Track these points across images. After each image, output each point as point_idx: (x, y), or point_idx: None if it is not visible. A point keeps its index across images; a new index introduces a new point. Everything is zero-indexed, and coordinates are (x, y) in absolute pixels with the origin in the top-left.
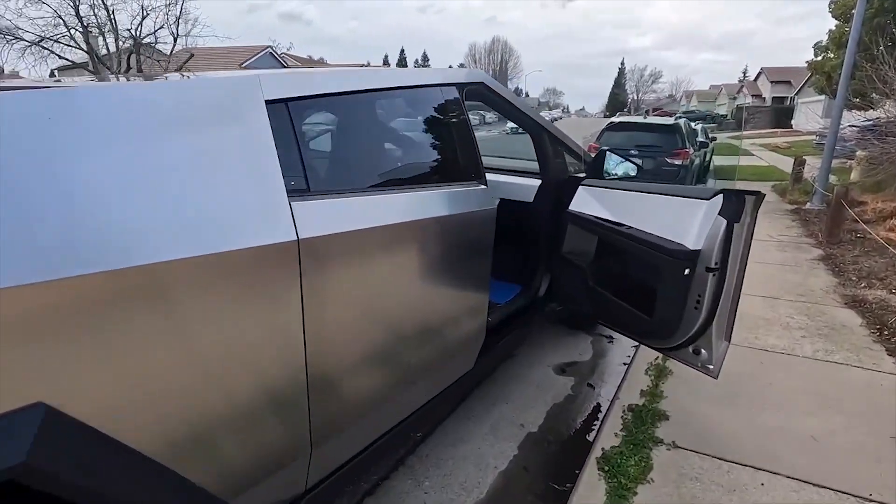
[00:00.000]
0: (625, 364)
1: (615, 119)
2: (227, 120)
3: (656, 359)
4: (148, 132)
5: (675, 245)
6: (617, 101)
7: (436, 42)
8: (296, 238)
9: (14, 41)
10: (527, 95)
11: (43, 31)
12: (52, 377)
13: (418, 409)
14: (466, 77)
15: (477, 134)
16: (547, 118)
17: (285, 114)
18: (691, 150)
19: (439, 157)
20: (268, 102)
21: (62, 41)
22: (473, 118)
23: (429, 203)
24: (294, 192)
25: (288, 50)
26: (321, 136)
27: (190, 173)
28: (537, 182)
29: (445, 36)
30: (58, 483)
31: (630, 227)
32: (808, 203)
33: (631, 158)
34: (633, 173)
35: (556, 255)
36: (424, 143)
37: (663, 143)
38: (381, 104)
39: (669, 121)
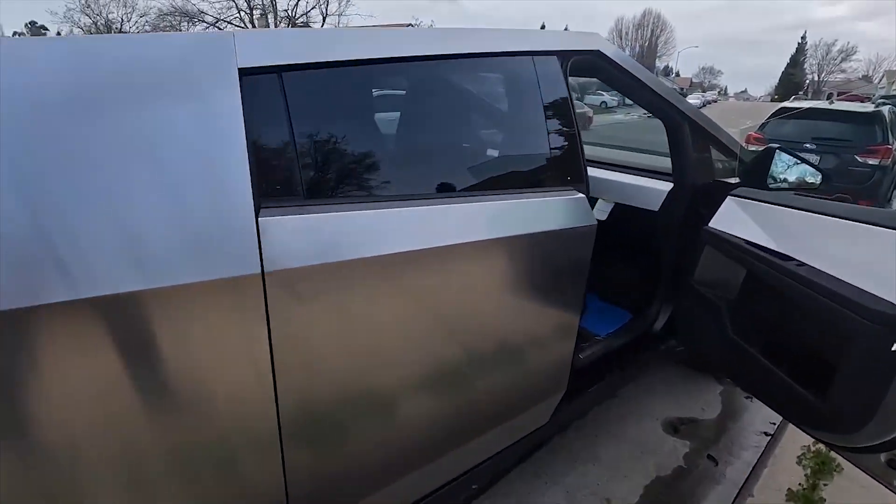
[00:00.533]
0: (767, 435)
1: (788, 104)
2: (177, 93)
3: (817, 442)
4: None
5: (875, 301)
6: (790, 83)
7: (582, 15)
8: (259, 271)
9: (198, 23)
10: (677, 75)
11: (219, 14)
12: None
13: (463, 473)
14: (574, 43)
15: (603, 118)
16: (696, 102)
17: (273, 87)
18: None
19: (517, 153)
20: (244, 71)
21: (234, 22)
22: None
23: (491, 218)
24: (270, 203)
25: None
26: (335, 119)
27: (101, 165)
28: (668, 185)
29: (589, 9)
30: None
31: (801, 264)
32: None
33: (806, 159)
34: (815, 182)
35: (683, 283)
36: (496, 134)
37: (854, 135)
38: (430, 78)
39: (867, 107)
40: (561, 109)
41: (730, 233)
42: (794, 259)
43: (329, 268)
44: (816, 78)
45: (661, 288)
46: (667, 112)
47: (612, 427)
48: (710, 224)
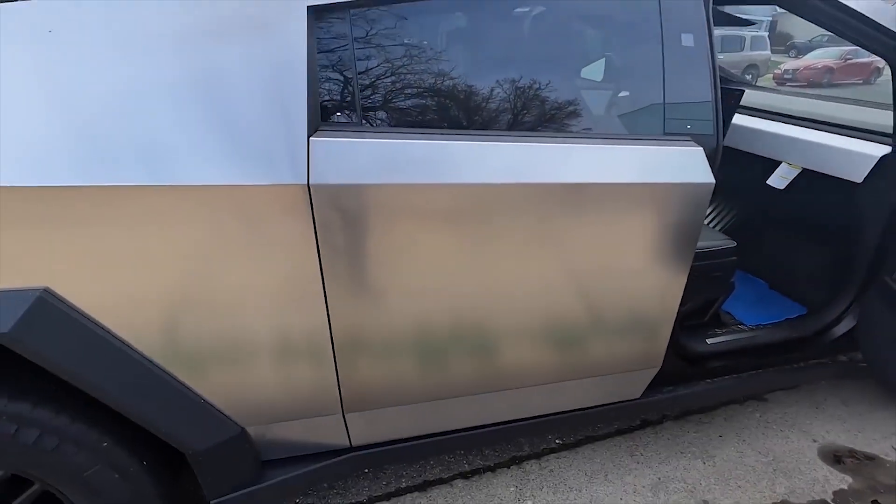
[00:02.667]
0: None
1: None
2: (248, 31)
3: None
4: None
5: None
6: None
7: None
8: (305, 182)
9: None
10: None
11: None
12: (61, 267)
13: (541, 416)
14: None
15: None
16: None
17: (339, 24)
18: None
19: (611, 90)
20: (312, 10)
21: None
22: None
23: (569, 161)
24: (325, 126)
25: None
26: (396, 55)
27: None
28: (882, 150)
29: None
30: (42, 358)
31: None
32: None
33: None
34: None
35: (881, 284)
36: (588, 67)
37: None
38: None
39: None
40: (691, 42)
41: None
42: None
43: (377, 189)
44: None
45: (850, 284)
46: (882, 43)
47: (747, 432)
48: None
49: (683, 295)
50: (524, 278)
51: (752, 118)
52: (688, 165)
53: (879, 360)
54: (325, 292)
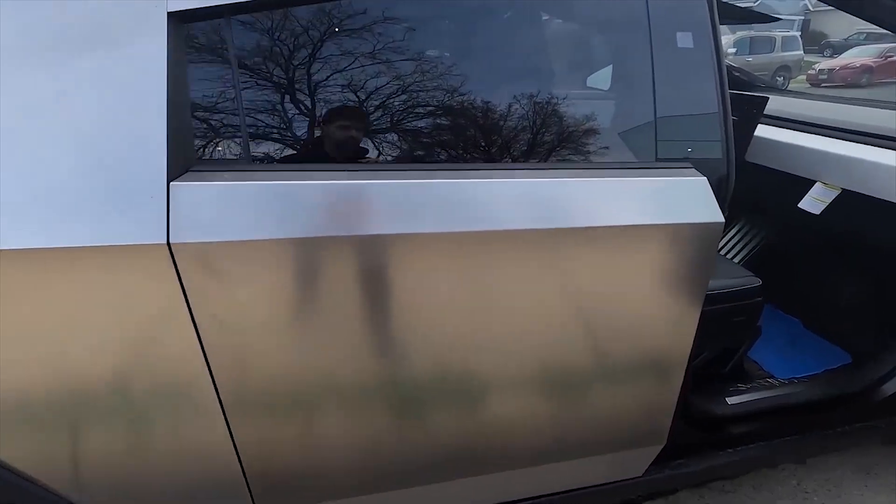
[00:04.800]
0: None
1: None
2: (90, 46)
3: None
4: None
5: None
6: None
7: None
8: (165, 241)
9: None
10: None
11: None
12: None
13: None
14: None
15: None
16: None
17: (208, 34)
18: None
19: (577, 109)
20: (174, 16)
21: None
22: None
23: (522, 198)
24: (191, 166)
25: None
26: (285, 69)
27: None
28: None
29: None
30: None
31: None
32: None
33: None
34: None
35: None
36: (546, 76)
37: None
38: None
39: None
40: (689, 42)
41: None
42: None
43: (264, 247)
44: None
45: None
46: None
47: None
48: None
49: (695, 347)
50: (476, 347)
51: (781, 129)
52: (687, 200)
53: None
54: (214, 385)
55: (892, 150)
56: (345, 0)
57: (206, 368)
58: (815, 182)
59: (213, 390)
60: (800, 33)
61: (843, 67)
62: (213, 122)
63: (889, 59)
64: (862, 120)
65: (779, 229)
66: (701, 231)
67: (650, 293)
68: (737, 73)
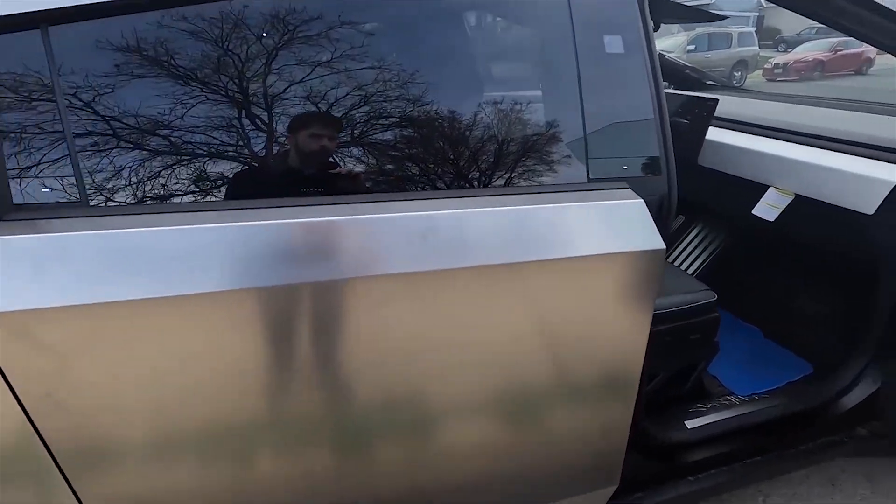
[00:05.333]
0: None
1: None
2: None
3: None
4: None
5: None
6: None
7: None
8: None
9: None
10: None
11: None
12: None
13: None
14: None
15: None
16: None
17: (37, 46)
18: None
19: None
20: None
21: None
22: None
23: (434, 229)
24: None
25: None
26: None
27: None
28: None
29: None
30: None
31: None
32: None
33: None
34: None
35: None
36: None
37: None
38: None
39: None
40: (619, 47)
41: None
42: None
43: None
44: None
45: (867, 338)
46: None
47: None
48: None
49: (644, 378)
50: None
51: (734, 133)
52: (623, 227)
53: None
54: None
55: (845, 153)
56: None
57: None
58: (768, 187)
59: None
60: (755, 29)
61: (797, 62)
62: (32, 157)
63: (839, 52)
64: (815, 121)
65: (736, 235)
66: (640, 259)
67: (591, 327)
68: (689, 72)
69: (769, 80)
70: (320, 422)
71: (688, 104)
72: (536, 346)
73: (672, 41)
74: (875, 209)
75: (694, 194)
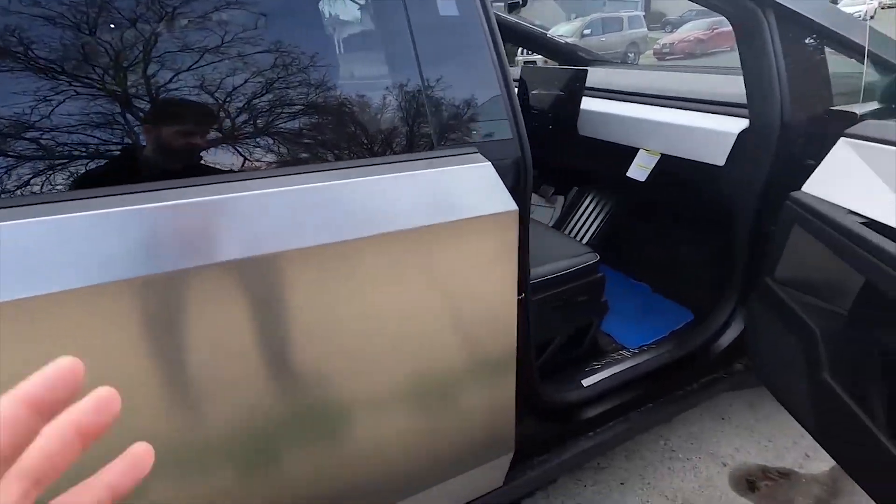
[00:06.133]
0: None
1: None
2: None
3: None
4: None
5: None
6: None
7: None
8: None
9: None
10: None
11: None
12: None
13: None
14: None
15: None
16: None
17: None
18: None
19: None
20: None
21: None
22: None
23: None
24: None
25: None
26: None
27: None
28: (740, 125)
29: None
30: None
31: None
32: None
33: None
34: None
35: (760, 283)
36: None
37: None
38: None
39: None
40: (453, 9)
41: (836, 205)
42: None
43: None
44: None
45: (732, 284)
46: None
47: (651, 471)
48: (804, 189)
49: (523, 342)
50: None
51: (609, 101)
52: (472, 191)
53: (766, 374)
54: None
55: (703, 112)
56: None
57: None
58: (638, 149)
59: None
60: (643, 14)
61: (681, 41)
62: None
63: (716, 30)
64: (679, 86)
65: (623, 198)
66: (494, 223)
67: (455, 296)
68: (581, 53)
69: (659, 59)
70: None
71: (562, 76)
72: (402, 324)
73: (569, 27)
74: (724, 160)
75: (581, 163)
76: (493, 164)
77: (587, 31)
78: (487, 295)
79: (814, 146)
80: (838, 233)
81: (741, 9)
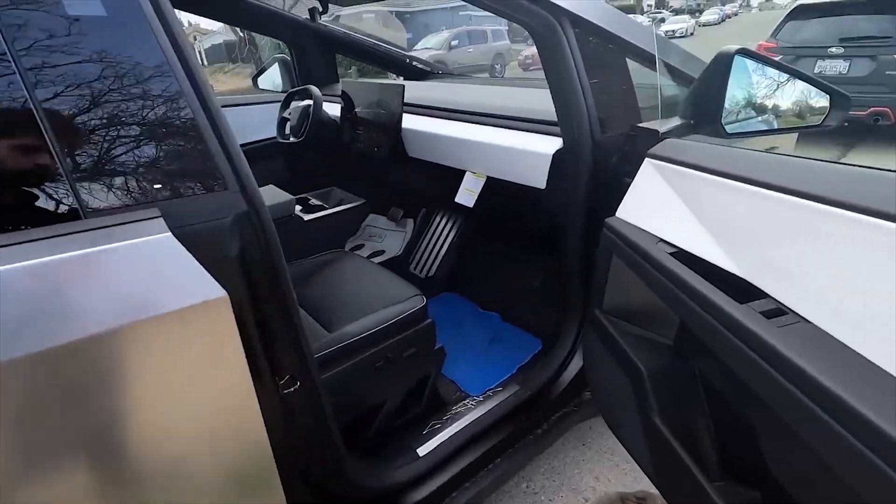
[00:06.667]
0: None
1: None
2: None
3: None
4: None
5: None
6: None
7: None
8: None
9: None
10: None
11: None
12: None
13: None
14: None
15: None
16: (713, 18)
17: None
18: None
19: None
20: None
21: None
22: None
23: None
24: None
25: None
26: None
27: None
28: (556, 144)
29: None
30: None
31: (781, 312)
32: None
33: (802, 73)
34: (821, 110)
35: (590, 314)
36: None
37: None
38: None
39: None
40: (101, 14)
41: (647, 232)
42: (771, 298)
43: None
44: None
45: (570, 313)
46: (521, 6)
47: None
48: (618, 213)
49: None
50: None
51: (434, 120)
52: (140, 277)
53: (604, 408)
54: None
55: (526, 130)
56: None
57: None
58: (465, 172)
59: None
60: (507, 29)
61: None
62: None
63: None
64: (506, 101)
65: (467, 221)
66: (191, 315)
67: (169, 402)
68: (416, 63)
69: (524, 70)
70: None
71: (381, 91)
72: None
73: (438, 38)
74: (545, 183)
75: (417, 185)
76: (191, 230)
77: (455, 43)
78: (209, 400)
79: (631, 164)
80: (649, 264)
81: (537, 18)
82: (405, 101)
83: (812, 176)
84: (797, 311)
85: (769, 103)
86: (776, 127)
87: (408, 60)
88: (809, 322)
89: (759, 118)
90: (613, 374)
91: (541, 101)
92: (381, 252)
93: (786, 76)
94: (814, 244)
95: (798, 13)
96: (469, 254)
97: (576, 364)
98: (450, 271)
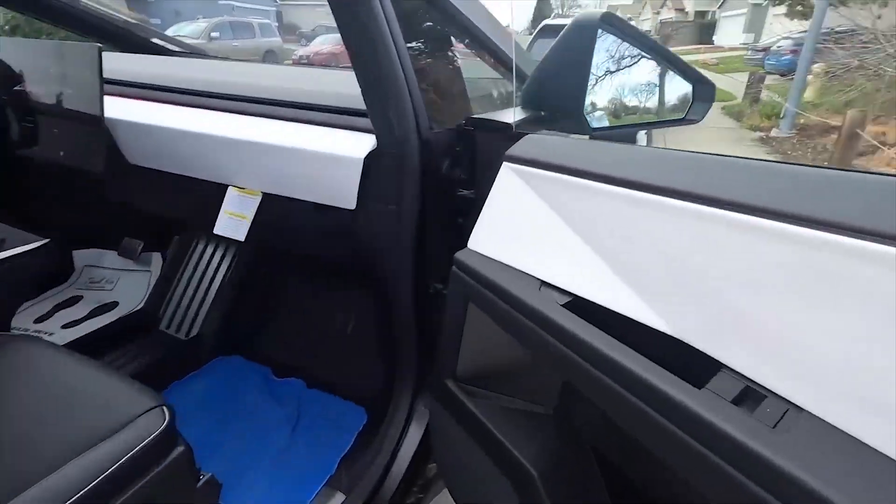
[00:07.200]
0: None
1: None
2: None
3: None
4: None
5: None
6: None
7: None
8: None
9: None
10: None
11: None
12: None
13: None
14: None
15: None
16: None
17: None
18: None
19: None
20: None
21: None
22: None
23: None
24: None
25: None
26: None
27: None
28: (368, 144)
29: None
30: None
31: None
32: (775, 129)
33: (672, 55)
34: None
35: (435, 379)
36: None
37: None
38: None
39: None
40: None
41: (519, 271)
42: (727, 370)
43: None
44: (561, 10)
45: (404, 363)
46: None
47: None
48: (470, 244)
49: None
50: None
51: (167, 107)
52: None
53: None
54: None
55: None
56: None
57: None
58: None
59: None
60: (277, 24)
61: (317, 53)
62: None
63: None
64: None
65: (242, 255)
66: None
67: None
68: (157, 40)
69: None
70: None
71: (61, 55)
72: None
73: (194, 27)
74: (355, 202)
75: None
76: None
77: (215, 34)
78: None
79: (468, 172)
80: (530, 320)
81: None
82: (120, 78)
83: (758, 182)
84: (774, 389)
85: (633, 90)
86: (643, 122)
87: (154, 40)
88: (802, 409)
89: (624, 110)
90: (485, 475)
91: (343, 84)
92: (114, 305)
93: (650, 55)
94: (787, 282)
95: (545, 32)
96: (252, 297)
97: (413, 437)
98: (224, 325)
